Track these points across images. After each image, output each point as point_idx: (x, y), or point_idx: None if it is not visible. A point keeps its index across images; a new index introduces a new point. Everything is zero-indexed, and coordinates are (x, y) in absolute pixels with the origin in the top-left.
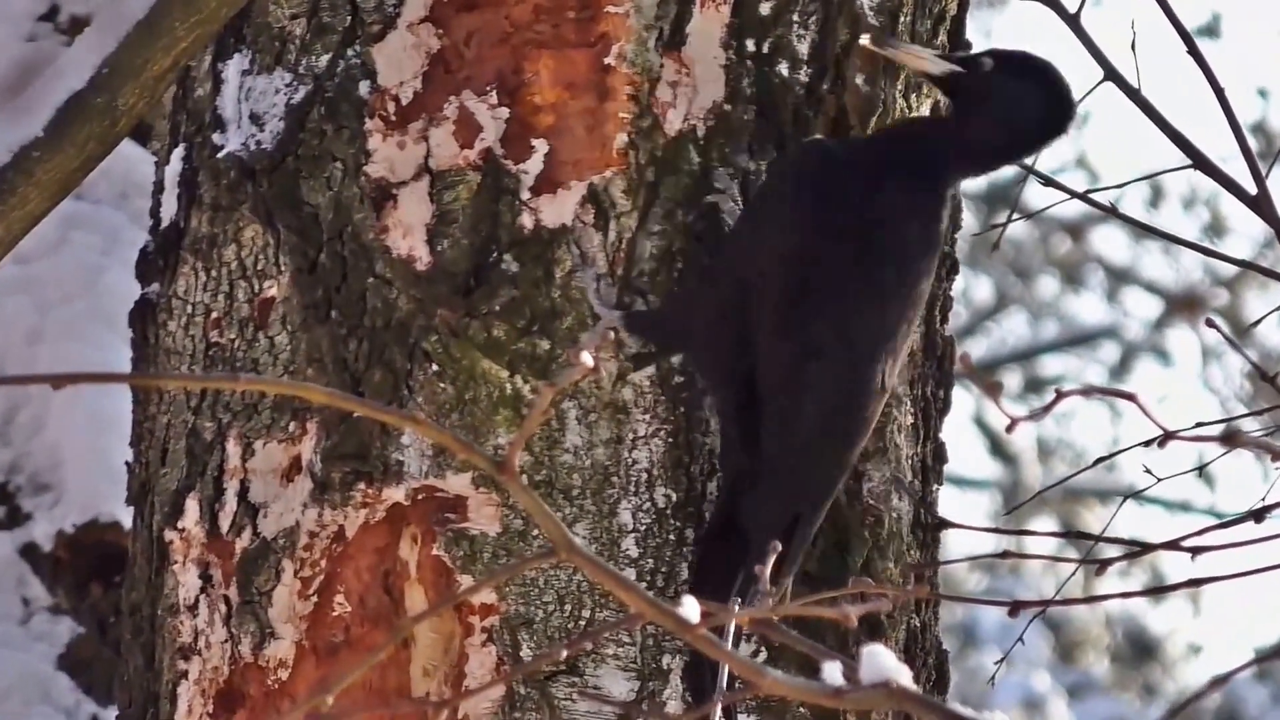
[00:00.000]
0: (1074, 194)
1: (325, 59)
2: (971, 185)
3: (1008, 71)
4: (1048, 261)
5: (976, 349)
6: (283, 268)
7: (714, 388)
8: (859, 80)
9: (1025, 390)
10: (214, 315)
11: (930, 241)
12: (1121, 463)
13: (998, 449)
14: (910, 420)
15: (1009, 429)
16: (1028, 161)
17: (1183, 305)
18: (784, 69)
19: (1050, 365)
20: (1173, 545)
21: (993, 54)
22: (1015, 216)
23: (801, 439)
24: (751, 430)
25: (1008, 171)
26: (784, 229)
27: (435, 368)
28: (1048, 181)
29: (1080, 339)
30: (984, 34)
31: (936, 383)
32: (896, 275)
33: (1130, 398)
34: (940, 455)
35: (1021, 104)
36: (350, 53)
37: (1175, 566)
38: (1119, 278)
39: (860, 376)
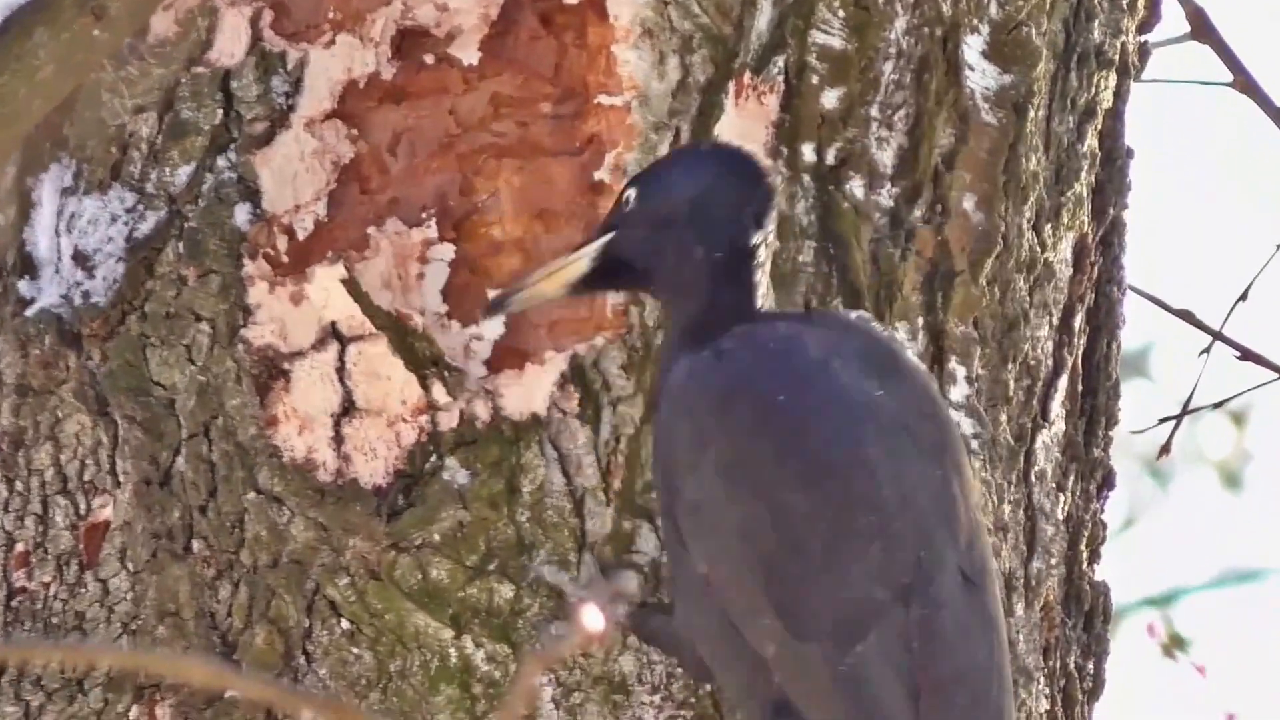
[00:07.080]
0: None
1: (185, 171)
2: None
3: (655, 189)
4: (1201, 459)
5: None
6: (121, 478)
7: None
8: (968, 204)
9: (1172, 645)
10: (19, 548)
11: (858, 408)
12: None
13: None
14: (1044, 706)
15: None
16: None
17: None
18: (857, 187)
19: (1205, 607)
20: None
21: (632, 182)
22: (1194, 408)
23: None
24: None
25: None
26: (724, 532)
27: (346, 625)
28: (1245, 355)
29: (1246, 573)
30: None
31: (1084, 650)
32: (891, 481)
33: None
34: None
35: (706, 199)
36: (222, 163)
37: None
38: None
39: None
